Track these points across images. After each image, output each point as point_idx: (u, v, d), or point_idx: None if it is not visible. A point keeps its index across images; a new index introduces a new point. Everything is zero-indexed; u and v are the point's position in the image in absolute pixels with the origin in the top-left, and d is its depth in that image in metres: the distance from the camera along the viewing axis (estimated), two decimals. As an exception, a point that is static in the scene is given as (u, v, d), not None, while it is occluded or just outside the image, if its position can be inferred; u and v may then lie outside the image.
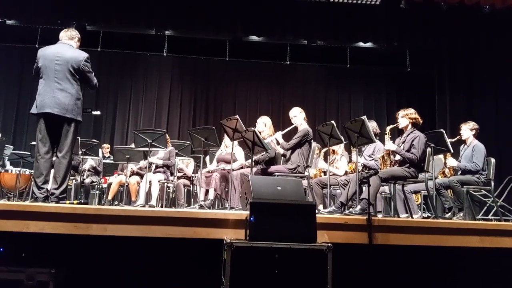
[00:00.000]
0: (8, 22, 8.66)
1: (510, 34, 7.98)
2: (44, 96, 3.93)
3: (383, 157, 4.82)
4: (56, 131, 3.96)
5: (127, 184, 6.20)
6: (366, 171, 4.97)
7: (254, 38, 9.21)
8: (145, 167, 5.83)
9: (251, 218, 2.89)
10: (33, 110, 3.97)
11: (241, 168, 5.50)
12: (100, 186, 7.14)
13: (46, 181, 3.89)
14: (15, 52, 9.31)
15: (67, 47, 4.10)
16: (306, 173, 4.92)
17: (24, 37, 8.97)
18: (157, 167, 6.26)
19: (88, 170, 6.89)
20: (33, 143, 6.54)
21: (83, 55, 4.04)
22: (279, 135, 5.11)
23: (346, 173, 5.61)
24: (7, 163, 6.77)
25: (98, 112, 6.47)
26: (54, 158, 4.02)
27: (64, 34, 4.20)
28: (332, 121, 4.74)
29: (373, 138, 4.48)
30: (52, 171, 4.02)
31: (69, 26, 8.31)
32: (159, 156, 6.24)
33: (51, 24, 8.58)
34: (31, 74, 9.72)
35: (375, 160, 5.17)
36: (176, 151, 6.32)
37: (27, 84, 9.30)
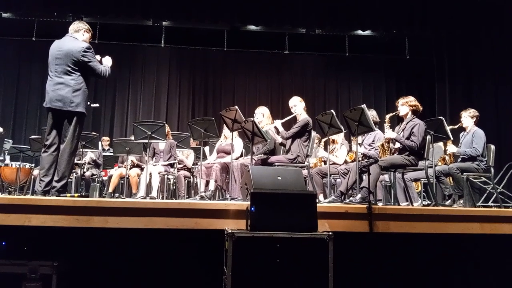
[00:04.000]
0: (4, 15, 8.60)
1: (509, 20, 7.94)
2: (47, 91, 3.98)
3: (382, 145, 4.82)
4: (60, 125, 3.98)
5: (127, 176, 6.21)
6: (366, 160, 4.97)
7: (252, 27, 9.15)
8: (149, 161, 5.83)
9: (252, 208, 2.90)
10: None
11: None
12: (101, 179, 7.14)
13: (47, 175, 3.88)
14: (12, 46, 9.26)
15: (69, 40, 4.08)
16: (306, 163, 4.92)
17: (20, 30, 8.91)
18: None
19: (88, 163, 6.90)
20: (33, 136, 6.57)
21: (82, 45, 4.00)
22: (278, 123, 5.09)
23: (346, 162, 5.62)
24: (7, 157, 6.77)
25: (96, 105, 6.46)
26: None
27: (71, 27, 4.19)
28: (332, 110, 4.73)
29: (373, 126, 4.48)
30: None
31: (65, 18, 8.35)
32: (163, 154, 6.26)
33: (47, 17, 8.54)
34: (28, 68, 9.72)
35: (375, 149, 5.17)
36: (176, 142, 6.31)
37: (25, 78, 9.29)
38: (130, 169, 6.29)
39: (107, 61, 4.28)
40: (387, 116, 4.85)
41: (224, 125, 5.40)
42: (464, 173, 4.93)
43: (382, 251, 3.56)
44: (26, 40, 8.95)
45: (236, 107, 4.85)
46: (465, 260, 3.69)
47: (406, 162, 4.48)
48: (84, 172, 6.70)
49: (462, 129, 5.41)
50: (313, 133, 5.22)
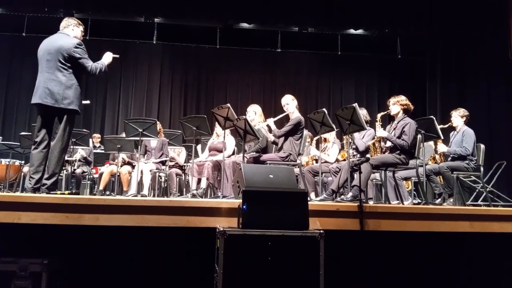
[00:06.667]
0: (-6, 10, 8.51)
1: (501, 20, 8.01)
2: (37, 87, 3.92)
3: (373, 144, 4.85)
4: (50, 122, 3.94)
5: (118, 174, 6.17)
6: (358, 157, 4.99)
7: (245, 25, 9.15)
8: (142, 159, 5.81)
9: (244, 206, 2.90)
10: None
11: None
12: (91, 176, 7.10)
13: (37, 172, 3.85)
14: (2, 41, 9.15)
15: (59, 36, 4.05)
16: (298, 161, 4.93)
17: (11, 25, 8.81)
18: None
19: (79, 160, 6.85)
20: (23, 133, 6.51)
21: (73, 41, 3.97)
22: (271, 121, 5.10)
23: (337, 160, 5.64)
24: (-4, 154, 6.72)
25: (87, 102, 6.40)
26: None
27: (61, 24, 4.15)
28: (324, 109, 4.74)
29: (364, 125, 4.50)
30: None
31: (57, 14, 8.28)
32: (154, 151, 6.24)
33: (38, 12, 8.45)
34: (19, 64, 9.62)
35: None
36: (168, 140, 6.30)
37: (16, 73, 9.19)
38: (121, 166, 6.26)
39: (106, 58, 4.23)
40: (379, 115, 4.88)
41: (216, 123, 5.39)
42: (454, 172, 4.98)
43: (372, 249, 3.58)
44: (17, 36, 8.86)
45: (229, 105, 4.84)
46: (455, 258, 3.72)
47: (397, 161, 4.51)
48: (74, 170, 6.65)
49: (453, 128, 5.46)
50: (305, 132, 5.23)
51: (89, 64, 4.02)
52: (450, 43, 8.68)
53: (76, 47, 3.93)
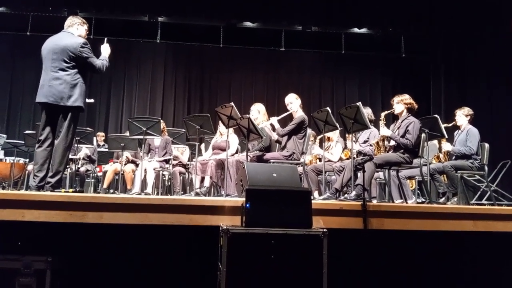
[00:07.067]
0: (-1, 9, 8.55)
1: (504, 20, 7.97)
2: (42, 85, 3.94)
3: (377, 143, 4.84)
4: (55, 120, 3.95)
5: (122, 172, 6.19)
6: (361, 157, 4.98)
7: (248, 24, 9.16)
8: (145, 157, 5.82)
9: (247, 205, 2.89)
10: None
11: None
12: (95, 175, 7.12)
13: (41, 170, 3.86)
14: (6, 40, 9.19)
15: (64, 35, 4.07)
16: (302, 160, 4.93)
17: (15, 24, 8.85)
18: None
19: (83, 159, 6.87)
20: (27, 132, 6.54)
21: (79, 41, 3.99)
22: (274, 120, 5.10)
23: (341, 159, 5.63)
24: (1, 152, 6.74)
25: (91, 100, 6.43)
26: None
27: (66, 23, 4.17)
28: (327, 108, 4.74)
29: (368, 124, 4.49)
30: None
31: (61, 13, 8.31)
32: (158, 150, 6.25)
33: (42, 11, 8.49)
34: (23, 62, 9.66)
35: (371, 145, 5.18)
36: (171, 139, 6.31)
37: (19, 72, 9.23)
38: (125, 165, 6.28)
39: (105, 49, 4.25)
40: (382, 114, 4.87)
41: (220, 121, 5.39)
42: (458, 171, 4.96)
43: (376, 247, 3.57)
44: (21, 35, 8.89)
45: (232, 103, 4.84)
46: (458, 257, 3.71)
47: (400, 160, 4.50)
48: (78, 168, 6.68)
49: (457, 127, 5.44)
50: (309, 130, 5.23)
51: (97, 62, 4.06)
52: (453, 42, 8.64)
53: (82, 47, 3.96)
